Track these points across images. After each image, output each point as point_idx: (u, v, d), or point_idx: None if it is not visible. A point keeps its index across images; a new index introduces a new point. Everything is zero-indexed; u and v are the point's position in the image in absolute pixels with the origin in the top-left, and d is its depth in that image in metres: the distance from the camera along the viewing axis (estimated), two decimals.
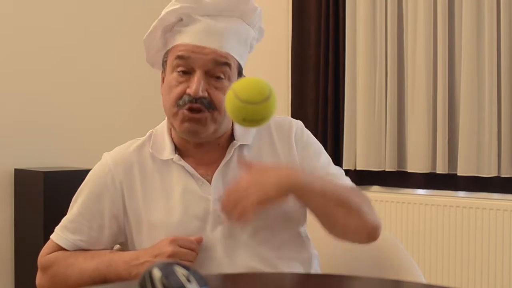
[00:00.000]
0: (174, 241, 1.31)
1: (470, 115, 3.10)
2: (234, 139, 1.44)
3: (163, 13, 1.41)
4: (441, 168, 3.19)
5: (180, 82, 1.36)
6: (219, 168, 1.41)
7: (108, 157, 1.45)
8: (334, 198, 1.31)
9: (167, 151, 1.43)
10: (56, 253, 1.44)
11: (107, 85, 3.68)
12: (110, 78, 3.69)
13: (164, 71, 1.44)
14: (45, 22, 3.43)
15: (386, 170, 3.37)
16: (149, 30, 1.43)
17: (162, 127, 1.48)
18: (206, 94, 1.35)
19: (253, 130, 1.45)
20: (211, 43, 1.35)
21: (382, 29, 3.37)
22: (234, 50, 1.38)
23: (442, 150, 3.18)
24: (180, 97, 1.36)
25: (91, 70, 3.61)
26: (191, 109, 1.35)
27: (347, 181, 1.46)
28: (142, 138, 1.48)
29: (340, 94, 3.53)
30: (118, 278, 1.33)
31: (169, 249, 1.30)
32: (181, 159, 1.42)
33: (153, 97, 3.80)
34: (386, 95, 3.36)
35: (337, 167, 1.48)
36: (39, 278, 1.47)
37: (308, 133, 1.50)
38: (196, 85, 1.33)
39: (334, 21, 3.52)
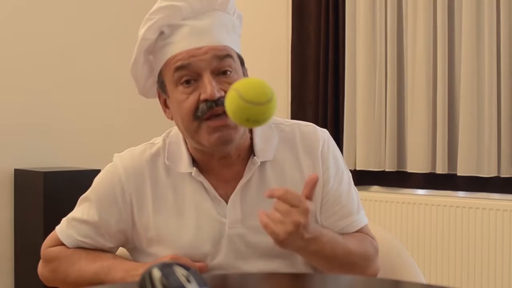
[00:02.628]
0: (174, 260, 1.27)
1: (470, 115, 3.10)
2: (254, 154, 1.34)
3: (141, 33, 1.31)
4: (441, 168, 3.19)
5: (189, 93, 1.26)
6: (237, 189, 1.33)
7: (119, 164, 1.37)
8: (339, 261, 1.30)
9: (184, 163, 1.34)
10: (59, 248, 1.42)
11: (107, 85, 3.68)
12: (110, 78, 3.69)
13: (164, 94, 1.34)
14: (45, 23, 3.44)
15: (386, 170, 3.36)
16: (133, 57, 1.34)
17: (177, 136, 1.38)
18: (223, 93, 1.24)
19: (274, 142, 1.37)
20: (205, 41, 1.27)
21: (382, 29, 3.37)
22: (228, 41, 1.30)
23: (442, 150, 3.18)
24: (196, 107, 1.25)
25: (91, 71, 3.61)
26: (211, 117, 1.25)
27: (361, 215, 1.41)
28: (157, 145, 1.38)
29: (340, 94, 3.53)
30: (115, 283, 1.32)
31: None
32: (200, 174, 1.33)
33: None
34: (386, 95, 3.36)
35: (356, 191, 1.43)
36: (40, 268, 1.46)
37: (334, 147, 1.41)
38: (210, 87, 1.24)
39: (334, 21, 3.52)
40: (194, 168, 1.33)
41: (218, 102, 1.24)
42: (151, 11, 1.31)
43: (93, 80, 3.62)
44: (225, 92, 1.23)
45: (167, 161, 1.35)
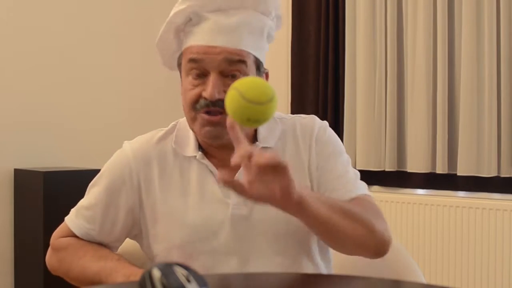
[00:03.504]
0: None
1: (470, 115, 3.10)
2: (257, 141, 1.39)
3: (170, 14, 1.37)
4: (441, 168, 3.19)
5: (195, 86, 1.33)
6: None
7: (128, 149, 1.42)
8: (337, 209, 1.25)
9: (190, 148, 1.40)
10: (68, 239, 1.44)
11: (107, 85, 3.68)
12: (110, 77, 3.69)
13: (180, 73, 1.41)
14: (45, 21, 3.43)
15: (386, 170, 3.37)
16: (159, 34, 1.40)
17: (186, 123, 1.43)
18: (223, 96, 1.26)
19: (277, 132, 1.41)
20: (221, 42, 1.31)
21: (381, 29, 3.37)
22: (248, 45, 1.33)
23: (442, 150, 3.18)
24: (197, 100, 1.32)
25: (91, 70, 3.61)
26: (208, 112, 1.31)
27: (361, 186, 1.40)
28: (165, 129, 1.44)
29: (340, 94, 3.53)
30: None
31: None
32: (205, 157, 1.38)
33: (153, 96, 3.80)
34: (386, 95, 3.36)
35: (355, 170, 1.43)
36: (49, 256, 1.48)
37: (331, 132, 1.45)
38: (211, 88, 1.30)
39: (333, 21, 3.52)
40: (199, 152, 1.38)
41: (215, 103, 1.30)
42: None
43: (93, 79, 3.62)
44: None
45: (174, 145, 1.41)
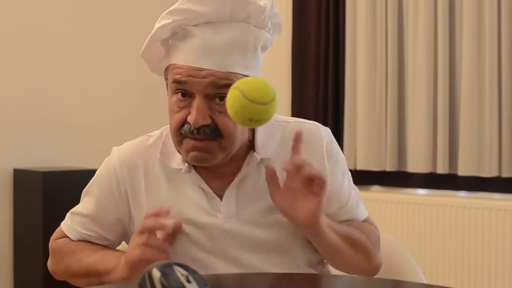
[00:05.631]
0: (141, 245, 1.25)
1: (471, 115, 3.09)
2: (254, 150, 1.33)
3: (154, 28, 1.28)
4: (442, 168, 3.18)
5: (181, 108, 1.26)
6: (232, 184, 1.32)
7: (115, 156, 1.39)
8: (347, 239, 1.32)
9: (177, 159, 1.34)
10: (65, 240, 1.44)
11: (106, 84, 3.68)
12: (109, 77, 3.68)
13: (167, 87, 1.34)
14: (43, 19, 3.43)
15: (387, 170, 3.36)
16: (144, 46, 1.32)
17: None
18: (209, 121, 1.23)
19: (276, 140, 1.35)
20: (208, 64, 1.22)
21: (382, 29, 3.37)
22: (237, 66, 1.24)
23: (443, 150, 3.18)
24: (182, 125, 1.26)
25: (91, 70, 3.60)
26: (194, 138, 1.25)
27: (362, 209, 1.43)
28: (154, 136, 1.39)
29: (340, 94, 3.53)
30: (108, 273, 1.31)
31: (136, 253, 1.24)
32: (192, 169, 1.32)
33: (152, 96, 3.80)
34: (387, 95, 3.35)
35: (355, 190, 1.43)
36: (49, 261, 1.47)
37: (336, 145, 1.40)
38: (195, 114, 1.22)
39: (334, 21, 3.51)
40: (186, 165, 1.32)
41: (199, 130, 1.23)
42: (170, 9, 1.27)
43: (93, 79, 3.61)
44: (214, 119, 1.24)
45: (159, 156, 1.35)
